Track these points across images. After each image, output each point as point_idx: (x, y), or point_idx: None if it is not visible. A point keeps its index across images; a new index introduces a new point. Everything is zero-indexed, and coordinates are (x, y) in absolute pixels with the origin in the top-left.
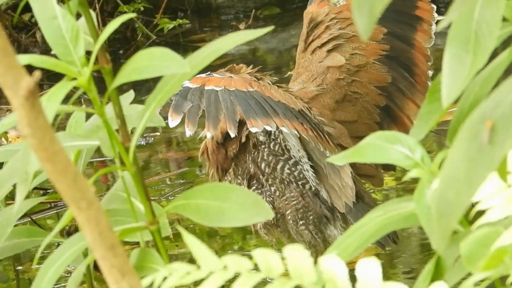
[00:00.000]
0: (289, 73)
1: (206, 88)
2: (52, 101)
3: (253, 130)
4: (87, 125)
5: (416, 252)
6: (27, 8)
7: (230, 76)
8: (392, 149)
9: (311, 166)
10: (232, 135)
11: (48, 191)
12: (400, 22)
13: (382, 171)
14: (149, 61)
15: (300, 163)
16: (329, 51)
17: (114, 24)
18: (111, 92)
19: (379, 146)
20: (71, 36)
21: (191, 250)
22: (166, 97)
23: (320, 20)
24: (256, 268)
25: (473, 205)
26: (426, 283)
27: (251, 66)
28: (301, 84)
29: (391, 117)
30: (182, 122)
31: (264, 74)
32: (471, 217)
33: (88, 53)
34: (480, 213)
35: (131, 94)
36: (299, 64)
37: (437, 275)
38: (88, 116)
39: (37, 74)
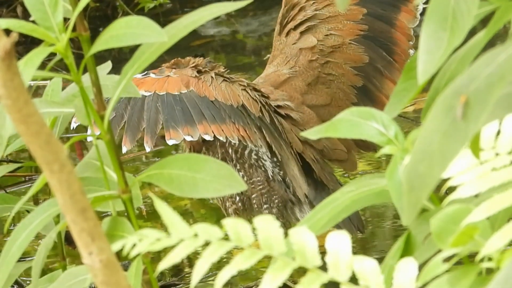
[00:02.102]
0: (268, 55)
1: None
2: (28, 66)
3: (170, 142)
4: (64, 94)
5: (389, 239)
6: None
7: (168, 75)
8: (366, 125)
9: (274, 155)
10: (147, 149)
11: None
12: (383, 2)
13: (362, 151)
14: (126, 29)
15: (259, 153)
16: (302, 32)
17: None
18: (88, 60)
19: (353, 122)
20: (50, 1)
21: (162, 217)
22: (142, 66)
23: (296, 1)
24: (226, 237)
25: (444, 181)
26: (395, 259)
27: (200, 58)
28: (275, 67)
29: (369, 98)
30: None
31: (214, 64)
32: (442, 193)
33: (67, 22)
34: (451, 190)
35: (108, 65)
36: (275, 47)
37: (406, 253)
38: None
39: (14, 35)
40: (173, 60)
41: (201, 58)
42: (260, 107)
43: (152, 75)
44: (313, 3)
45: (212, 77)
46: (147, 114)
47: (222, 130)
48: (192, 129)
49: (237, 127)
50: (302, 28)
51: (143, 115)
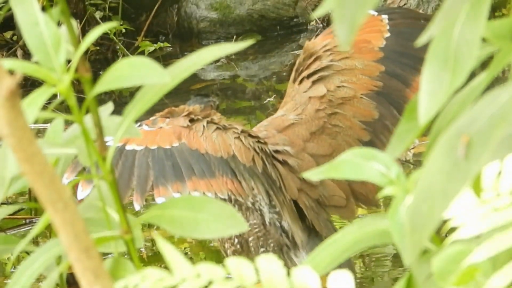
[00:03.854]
0: (268, 99)
1: (126, 148)
2: (32, 106)
3: (160, 200)
4: (65, 135)
5: (389, 280)
6: (9, 26)
7: (161, 127)
8: (368, 166)
9: (270, 201)
10: (137, 207)
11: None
12: (403, 64)
13: (362, 206)
14: (129, 70)
15: (256, 198)
16: (314, 81)
17: (96, 33)
18: (90, 101)
19: (355, 163)
20: (53, 43)
21: (164, 255)
22: (144, 107)
23: (314, 51)
24: (229, 277)
25: (445, 222)
26: None
27: (196, 107)
28: (283, 112)
29: None
30: None
31: (207, 113)
32: (443, 232)
33: (69, 64)
34: (453, 230)
35: (110, 106)
36: (288, 94)
37: None
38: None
39: (19, 76)
40: (167, 109)
41: (203, 97)
42: (253, 155)
43: (145, 127)
44: (330, 54)
45: (204, 126)
46: (137, 171)
47: (211, 185)
48: (181, 185)
49: (226, 181)
50: (315, 77)
51: (133, 172)
